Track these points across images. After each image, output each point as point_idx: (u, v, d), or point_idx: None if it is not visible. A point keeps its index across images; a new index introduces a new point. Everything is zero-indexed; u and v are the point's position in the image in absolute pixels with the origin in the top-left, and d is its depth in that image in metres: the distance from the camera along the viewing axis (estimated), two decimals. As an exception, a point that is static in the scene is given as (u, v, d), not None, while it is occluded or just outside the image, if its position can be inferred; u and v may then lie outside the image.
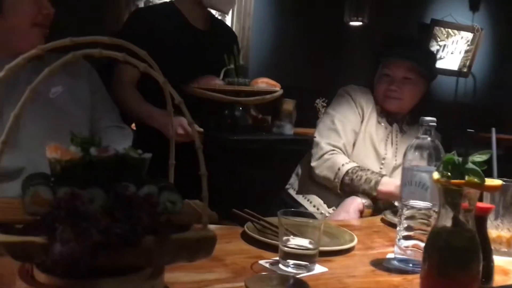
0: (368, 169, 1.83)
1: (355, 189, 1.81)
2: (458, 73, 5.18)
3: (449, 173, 0.95)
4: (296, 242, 1.11)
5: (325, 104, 3.70)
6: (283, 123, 2.23)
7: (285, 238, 1.11)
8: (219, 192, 1.26)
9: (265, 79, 2.03)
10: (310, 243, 1.11)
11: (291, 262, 1.09)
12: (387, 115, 1.98)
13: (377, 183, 1.76)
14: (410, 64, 1.87)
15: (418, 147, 1.21)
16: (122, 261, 0.68)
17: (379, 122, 1.96)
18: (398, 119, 1.98)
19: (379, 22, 4.26)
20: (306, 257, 1.10)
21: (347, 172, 1.81)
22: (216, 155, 1.51)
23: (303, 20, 4.17)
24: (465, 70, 5.23)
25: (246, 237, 1.28)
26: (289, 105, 2.26)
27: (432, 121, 1.20)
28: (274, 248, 1.16)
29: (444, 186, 0.95)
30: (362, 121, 1.94)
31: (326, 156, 1.86)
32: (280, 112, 2.24)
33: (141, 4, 4.65)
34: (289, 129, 2.24)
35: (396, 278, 1.14)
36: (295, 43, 4.19)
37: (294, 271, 1.08)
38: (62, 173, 0.69)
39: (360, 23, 4.17)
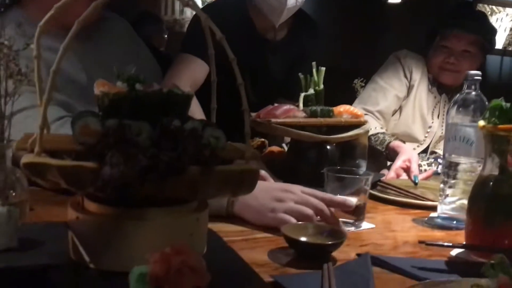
0: (390, 134, 1.83)
1: (375, 153, 1.81)
2: (503, 52, 5.00)
3: (495, 119, 0.92)
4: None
5: (363, 84, 3.66)
6: (358, 162, 1.60)
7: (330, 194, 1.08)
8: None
9: (347, 107, 1.52)
10: (358, 200, 1.08)
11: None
12: (438, 85, 1.95)
13: (389, 142, 1.77)
14: (473, 37, 1.83)
15: (462, 102, 1.18)
16: (168, 191, 0.70)
17: (429, 91, 1.95)
18: (448, 90, 1.95)
19: (419, 9, 4.16)
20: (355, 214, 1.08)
21: (369, 137, 1.82)
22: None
23: (341, 9, 4.12)
24: (510, 49, 5.04)
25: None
26: (364, 138, 1.63)
27: (477, 75, 1.17)
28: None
29: (491, 132, 0.93)
30: (409, 87, 1.93)
31: None
32: (355, 147, 1.57)
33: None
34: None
35: (438, 233, 1.12)
36: (332, 23, 4.14)
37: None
38: (109, 106, 0.71)
39: (399, 1, 4.09)
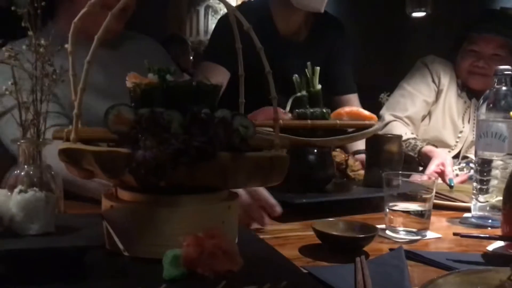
0: (421, 139, 1.81)
1: (407, 158, 1.79)
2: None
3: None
4: (405, 206, 1.02)
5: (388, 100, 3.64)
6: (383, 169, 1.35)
7: (391, 203, 1.02)
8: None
9: (353, 109, 1.38)
10: (420, 206, 1.02)
11: (400, 228, 1.01)
12: (467, 90, 1.93)
13: (421, 147, 1.75)
14: (503, 40, 1.81)
15: (493, 98, 1.16)
16: (199, 178, 0.71)
17: (459, 96, 1.92)
18: (478, 95, 1.93)
19: (443, 12, 4.14)
20: (419, 223, 1.01)
21: None
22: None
23: (363, 14, 4.13)
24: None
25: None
26: (394, 144, 1.39)
27: (507, 70, 1.16)
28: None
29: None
30: (438, 92, 1.91)
31: (386, 128, 1.84)
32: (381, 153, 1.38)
33: (201, 10, 4.79)
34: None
35: (474, 231, 1.10)
36: (355, 39, 4.15)
37: (405, 237, 1.00)
38: (141, 96, 0.73)
39: (423, 14, 4.07)
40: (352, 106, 1.67)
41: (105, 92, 1.28)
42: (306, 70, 1.37)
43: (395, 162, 1.36)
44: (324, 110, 1.32)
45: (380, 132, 1.45)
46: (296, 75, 1.37)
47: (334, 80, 1.79)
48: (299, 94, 1.35)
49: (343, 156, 1.44)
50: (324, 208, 1.16)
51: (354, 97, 1.84)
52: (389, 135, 1.47)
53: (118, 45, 1.44)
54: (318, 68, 1.37)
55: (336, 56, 1.80)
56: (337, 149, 1.47)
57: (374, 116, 1.37)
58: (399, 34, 4.26)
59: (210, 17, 4.72)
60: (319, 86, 1.36)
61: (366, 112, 1.36)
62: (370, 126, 1.31)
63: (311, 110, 1.29)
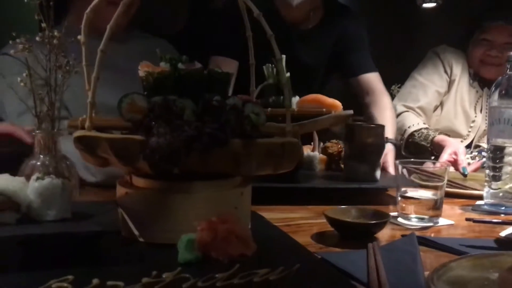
0: (434, 129, 1.80)
1: (420, 148, 1.78)
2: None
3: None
4: (417, 193, 1.02)
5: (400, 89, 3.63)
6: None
7: (403, 189, 1.02)
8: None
9: (318, 97, 1.27)
10: (432, 193, 1.01)
11: (412, 215, 1.01)
12: (479, 79, 1.92)
13: (434, 137, 1.74)
14: None
15: (506, 84, 1.15)
16: (212, 164, 0.72)
17: (471, 85, 1.91)
18: (491, 84, 1.92)
19: (456, 3, 4.09)
20: (431, 210, 1.01)
21: (412, 133, 1.79)
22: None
23: (373, 4, 4.09)
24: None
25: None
26: (370, 135, 1.27)
27: (519, 56, 1.15)
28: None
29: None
30: (450, 82, 1.90)
31: (398, 118, 1.83)
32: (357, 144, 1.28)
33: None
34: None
35: (486, 217, 1.09)
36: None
37: (417, 224, 1.00)
38: (154, 84, 0.74)
39: (434, 5, 4.03)
40: (373, 86, 1.67)
41: (113, 85, 1.29)
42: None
43: (371, 154, 1.25)
44: (295, 99, 1.25)
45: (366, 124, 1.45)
46: (269, 64, 1.28)
47: (349, 65, 1.76)
48: (265, 82, 1.28)
49: (337, 147, 1.41)
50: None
51: (373, 76, 1.75)
52: (363, 125, 1.34)
53: (126, 40, 1.47)
54: (283, 56, 1.31)
55: (349, 43, 1.76)
56: (333, 140, 1.44)
57: (336, 103, 1.24)
58: (409, 23, 4.22)
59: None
60: (287, 74, 1.24)
61: (329, 100, 1.23)
62: (328, 113, 1.16)
63: (273, 98, 1.24)
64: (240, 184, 0.77)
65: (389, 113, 1.64)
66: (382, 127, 1.30)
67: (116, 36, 1.32)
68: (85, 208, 0.72)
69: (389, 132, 1.53)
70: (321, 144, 1.44)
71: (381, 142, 1.28)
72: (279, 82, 1.26)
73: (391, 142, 1.48)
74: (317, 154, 1.37)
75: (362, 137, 1.26)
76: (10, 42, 0.86)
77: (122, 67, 1.36)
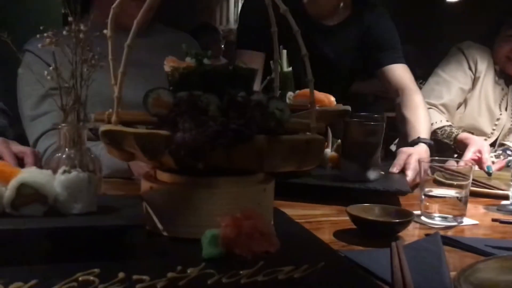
0: (457, 127, 1.77)
1: (443, 146, 1.75)
2: None
3: None
4: (441, 192, 1.01)
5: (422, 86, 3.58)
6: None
7: (427, 189, 1.01)
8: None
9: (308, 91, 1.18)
10: (457, 192, 1.00)
11: (436, 214, 1.00)
12: (505, 76, 1.88)
13: (457, 134, 1.71)
14: None
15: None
16: (236, 160, 0.71)
17: (496, 82, 1.88)
18: None
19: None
20: (455, 209, 0.99)
21: (434, 131, 1.76)
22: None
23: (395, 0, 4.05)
24: None
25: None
26: (360, 131, 1.19)
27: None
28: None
29: None
30: (474, 79, 1.87)
31: None
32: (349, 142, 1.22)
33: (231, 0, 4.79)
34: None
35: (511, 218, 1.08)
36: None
37: (441, 223, 0.98)
38: (180, 79, 0.74)
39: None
40: (403, 83, 1.62)
41: (134, 80, 1.30)
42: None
43: (361, 152, 1.18)
44: (284, 93, 1.21)
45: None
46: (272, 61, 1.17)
47: (376, 60, 1.71)
48: (268, 77, 1.17)
49: None
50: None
51: (401, 68, 1.68)
52: (353, 121, 1.22)
53: (150, 36, 1.47)
54: (284, 51, 1.27)
55: (378, 41, 1.72)
56: None
57: (325, 98, 1.21)
58: (433, 19, 4.16)
59: (240, 5, 4.73)
60: (289, 69, 1.27)
61: (319, 95, 1.19)
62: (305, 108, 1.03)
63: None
64: (263, 181, 0.77)
65: (421, 111, 1.58)
66: (375, 125, 1.19)
67: (139, 30, 1.34)
68: (110, 202, 0.72)
69: (423, 131, 1.49)
70: (337, 141, 1.41)
71: (373, 140, 1.18)
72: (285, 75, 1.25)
73: (424, 142, 1.43)
74: (328, 151, 1.35)
75: (352, 135, 1.19)
76: (38, 36, 0.87)
77: (144, 61, 1.36)
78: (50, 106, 1.32)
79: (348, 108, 1.21)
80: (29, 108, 1.36)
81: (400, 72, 1.67)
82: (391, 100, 1.76)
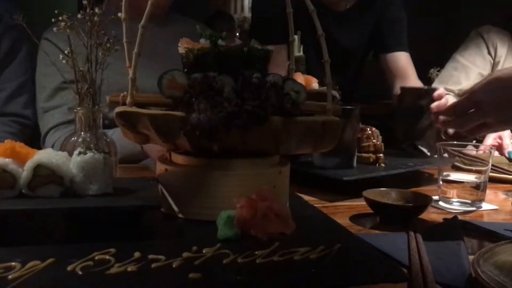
0: None
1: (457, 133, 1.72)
2: None
3: None
4: (459, 176, 0.99)
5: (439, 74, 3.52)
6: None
7: (445, 174, 1.00)
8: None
9: (296, 75, 1.08)
10: (476, 177, 0.98)
11: (455, 199, 0.98)
12: None
13: None
14: None
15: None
16: (252, 142, 0.71)
17: None
18: None
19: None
20: (474, 194, 0.98)
21: None
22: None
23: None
24: None
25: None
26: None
27: None
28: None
29: None
30: (494, 64, 1.83)
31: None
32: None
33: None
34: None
35: (532, 203, 1.05)
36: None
37: (459, 208, 0.97)
38: (194, 61, 0.73)
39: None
40: (404, 72, 1.61)
41: (151, 69, 1.30)
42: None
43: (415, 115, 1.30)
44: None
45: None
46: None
47: (382, 43, 1.71)
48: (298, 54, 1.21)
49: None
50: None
51: (402, 56, 1.69)
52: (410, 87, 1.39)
53: (165, 24, 1.48)
54: (296, 36, 1.28)
55: (388, 26, 1.71)
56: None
57: (306, 80, 1.11)
58: (451, 2, 4.08)
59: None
60: (300, 53, 1.24)
61: (301, 77, 1.10)
62: None
63: None
64: (279, 163, 0.77)
65: None
66: (428, 89, 1.33)
67: (155, 18, 1.33)
68: (126, 184, 0.73)
69: None
70: None
71: (424, 103, 1.30)
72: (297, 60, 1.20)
73: None
74: None
75: (406, 98, 1.33)
76: (53, 20, 0.87)
77: (161, 51, 1.36)
78: (62, 100, 1.33)
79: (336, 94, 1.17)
80: (43, 99, 1.37)
81: (403, 61, 1.67)
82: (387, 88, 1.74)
